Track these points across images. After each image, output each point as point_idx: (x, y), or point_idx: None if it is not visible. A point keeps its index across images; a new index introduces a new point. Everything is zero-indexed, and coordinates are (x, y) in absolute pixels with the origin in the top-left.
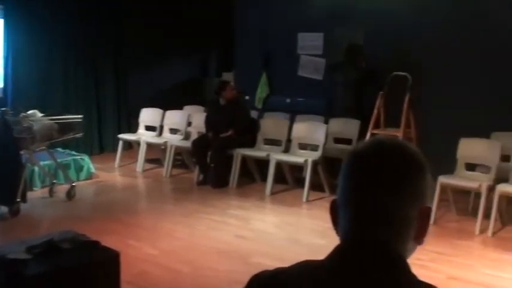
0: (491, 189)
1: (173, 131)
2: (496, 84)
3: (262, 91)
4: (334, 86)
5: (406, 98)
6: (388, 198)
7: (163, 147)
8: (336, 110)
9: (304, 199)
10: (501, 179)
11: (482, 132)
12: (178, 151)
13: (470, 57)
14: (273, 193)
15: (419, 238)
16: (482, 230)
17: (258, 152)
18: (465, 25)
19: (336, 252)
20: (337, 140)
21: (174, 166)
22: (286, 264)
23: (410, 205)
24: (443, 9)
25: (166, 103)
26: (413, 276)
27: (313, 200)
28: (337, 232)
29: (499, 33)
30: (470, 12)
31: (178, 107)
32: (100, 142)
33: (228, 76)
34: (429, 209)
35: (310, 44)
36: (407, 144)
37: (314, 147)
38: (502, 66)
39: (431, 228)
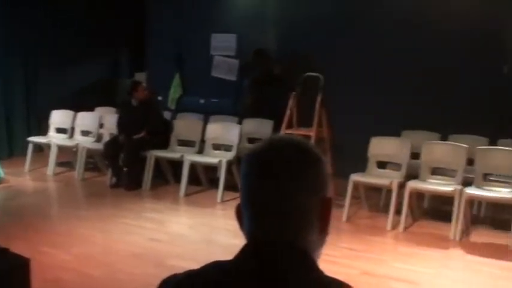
0: (402, 186)
1: (85, 133)
2: (406, 84)
3: (175, 92)
4: (243, 87)
5: (318, 98)
6: (285, 192)
7: (74, 149)
8: (244, 111)
9: (218, 200)
10: (411, 175)
11: (393, 130)
12: (90, 154)
13: (381, 57)
14: (187, 194)
15: (323, 229)
16: (394, 226)
17: (172, 153)
18: (375, 26)
19: (242, 252)
20: (251, 140)
21: (86, 169)
22: (201, 265)
23: (308, 197)
24: (352, 12)
25: (78, 104)
26: (321, 272)
27: (228, 201)
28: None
29: (406, 34)
30: (378, 13)
31: (90, 108)
32: (9, 145)
33: (140, 76)
34: (329, 200)
35: (223, 44)
36: (301, 139)
37: (228, 148)
38: (412, 66)
39: (344, 226)
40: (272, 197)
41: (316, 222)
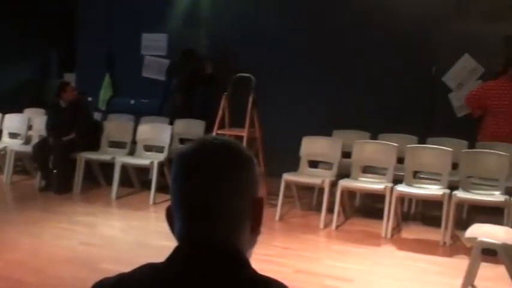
0: (333, 185)
1: (13, 135)
2: (337, 84)
3: (105, 92)
4: (171, 88)
5: (250, 99)
6: (216, 194)
7: (2, 152)
8: (173, 111)
9: (151, 202)
10: (343, 174)
11: (325, 130)
12: (19, 156)
13: (312, 58)
14: (119, 197)
15: (255, 229)
16: (327, 224)
17: (103, 155)
18: (307, 27)
19: (174, 254)
20: (183, 141)
21: (15, 172)
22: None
23: (238, 197)
24: (284, 11)
25: (5, 106)
26: (253, 271)
27: (160, 203)
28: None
29: (339, 35)
30: (310, 14)
31: (18, 110)
32: None
33: (70, 77)
34: (261, 200)
35: (154, 44)
36: (231, 140)
37: (159, 149)
38: (343, 67)
39: (277, 225)
40: (203, 199)
41: (248, 222)
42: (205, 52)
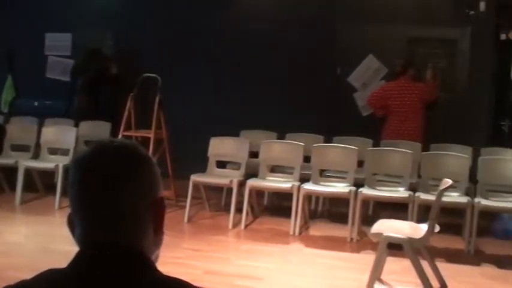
0: (241, 185)
1: None
2: (245, 84)
3: (7, 94)
4: (75, 88)
5: (157, 99)
6: (115, 196)
7: None
8: (78, 113)
9: (56, 206)
10: (251, 174)
11: (232, 130)
12: None
13: (220, 58)
14: (23, 202)
15: (157, 230)
16: (236, 224)
17: (5, 159)
18: (213, 29)
19: (76, 259)
20: (88, 143)
21: None
22: None
23: (139, 198)
24: (191, 13)
25: None
26: (159, 273)
27: (66, 207)
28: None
29: (244, 36)
30: (214, 16)
31: None
32: None
33: None
34: (162, 200)
35: (58, 44)
36: (128, 142)
37: (64, 152)
38: (250, 68)
39: (186, 226)
40: (102, 202)
41: (150, 223)
42: (110, 52)
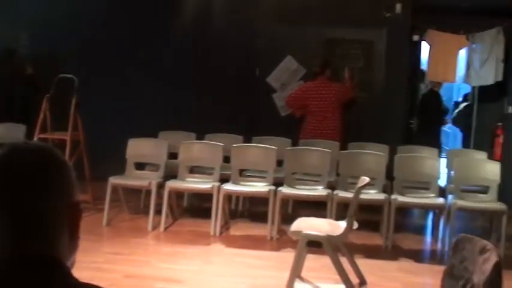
0: (161, 186)
1: None
2: (164, 85)
3: None
4: None
5: (73, 101)
6: (27, 199)
7: None
8: None
9: None
10: (170, 175)
11: (151, 131)
12: None
13: (138, 59)
14: None
15: (73, 235)
16: (155, 226)
17: None
18: (129, 30)
19: None
20: (1, 146)
21: None
22: None
23: (54, 204)
24: (109, 13)
25: None
26: (75, 279)
27: None
28: None
29: (164, 38)
30: (136, 18)
31: None
32: None
33: None
34: (77, 204)
35: None
36: (41, 144)
37: None
38: (168, 68)
39: (105, 230)
40: (15, 206)
41: (66, 228)
42: (25, 52)
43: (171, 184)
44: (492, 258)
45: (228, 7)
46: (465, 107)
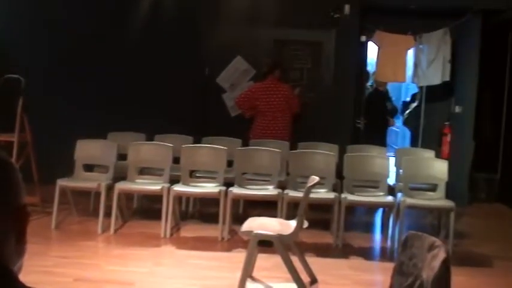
0: (110, 188)
1: None
2: (113, 86)
3: None
4: None
5: (20, 102)
6: None
7: None
8: None
9: None
10: (119, 177)
11: (100, 133)
12: None
13: (86, 60)
14: None
15: (20, 239)
16: (105, 229)
17: None
18: (75, 29)
19: None
20: None
21: None
22: None
23: None
24: (52, 12)
25: None
26: (22, 285)
27: None
28: None
29: (111, 37)
30: (78, 16)
31: None
32: None
33: None
34: (24, 207)
35: None
36: None
37: None
38: (118, 69)
39: (54, 233)
40: None
41: (12, 232)
42: None
43: (121, 186)
44: (440, 254)
45: (177, 7)
46: (415, 108)
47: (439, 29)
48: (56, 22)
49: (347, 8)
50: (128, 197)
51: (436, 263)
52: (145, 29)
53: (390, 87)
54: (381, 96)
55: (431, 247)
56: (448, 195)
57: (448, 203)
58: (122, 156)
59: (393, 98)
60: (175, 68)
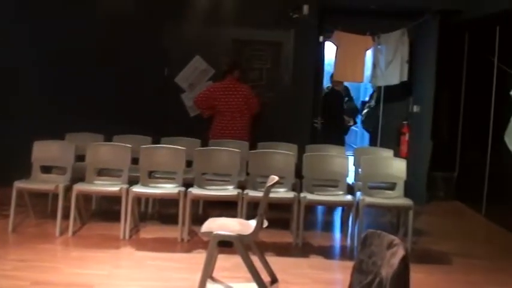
0: (68, 190)
1: None
2: (69, 86)
3: None
4: None
5: None
6: None
7: None
8: None
9: None
10: (78, 178)
11: (57, 134)
12: None
13: (41, 60)
14: None
15: None
16: (63, 231)
17: None
18: (29, 28)
19: None
20: None
21: None
22: None
23: None
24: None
25: None
26: None
27: None
28: None
29: (70, 37)
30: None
31: None
32: None
33: None
34: None
35: None
36: None
37: None
38: (74, 69)
39: (11, 236)
40: None
41: None
42: None
43: (79, 187)
44: (399, 252)
45: (136, 5)
46: (373, 108)
47: (397, 29)
48: (16, 19)
49: (306, 8)
50: (86, 198)
51: (395, 261)
52: (104, 28)
53: (351, 86)
54: (337, 96)
55: (390, 245)
56: (407, 194)
57: (407, 202)
58: (80, 158)
59: (354, 98)
60: (134, 67)
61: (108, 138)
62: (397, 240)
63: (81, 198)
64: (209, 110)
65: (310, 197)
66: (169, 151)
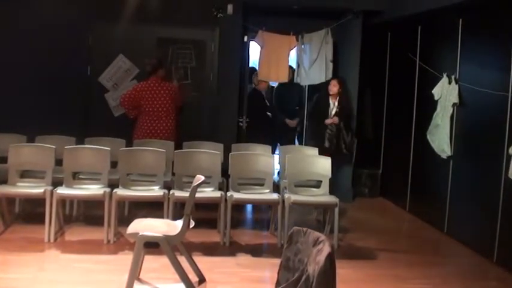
0: None
1: None
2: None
3: None
4: None
5: None
6: None
7: None
8: None
9: None
10: (0, 181)
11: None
12: None
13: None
14: None
15: None
16: None
17: None
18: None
19: None
20: None
21: None
22: None
23: None
24: None
25: None
26: None
27: None
28: None
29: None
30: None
31: None
32: None
33: None
34: None
35: None
36: None
37: None
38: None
39: None
40: None
41: None
42: None
43: (1, 190)
44: (325, 249)
45: (60, 3)
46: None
47: (321, 29)
48: None
49: (230, 8)
50: (9, 201)
51: (321, 258)
52: (27, 26)
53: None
54: (260, 95)
55: (316, 242)
56: (333, 191)
57: (332, 199)
58: (3, 159)
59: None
60: (57, 66)
61: (31, 139)
62: (322, 237)
63: (4, 200)
64: (135, 109)
65: (237, 195)
66: (94, 152)
